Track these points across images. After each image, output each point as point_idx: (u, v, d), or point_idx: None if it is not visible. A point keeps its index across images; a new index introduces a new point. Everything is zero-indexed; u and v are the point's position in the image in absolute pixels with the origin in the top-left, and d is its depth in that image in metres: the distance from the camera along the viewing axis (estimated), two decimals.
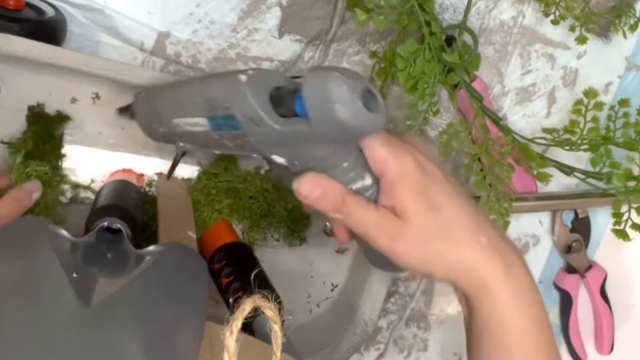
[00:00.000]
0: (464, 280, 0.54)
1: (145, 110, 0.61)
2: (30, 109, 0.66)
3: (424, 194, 0.52)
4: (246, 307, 0.42)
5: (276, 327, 0.43)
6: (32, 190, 0.62)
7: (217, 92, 0.52)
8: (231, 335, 0.41)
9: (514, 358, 0.54)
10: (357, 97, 0.46)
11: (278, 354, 0.43)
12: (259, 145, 0.52)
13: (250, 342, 0.47)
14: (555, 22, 0.74)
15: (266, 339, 0.44)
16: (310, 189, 0.51)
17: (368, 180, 0.52)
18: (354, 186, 0.52)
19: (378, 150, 0.51)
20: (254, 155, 0.54)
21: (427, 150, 0.55)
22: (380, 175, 0.52)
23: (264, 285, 0.62)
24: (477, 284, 0.53)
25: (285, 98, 0.49)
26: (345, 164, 0.51)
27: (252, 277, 0.62)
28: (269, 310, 0.43)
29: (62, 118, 0.67)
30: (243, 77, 0.49)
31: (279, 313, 0.57)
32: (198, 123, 0.54)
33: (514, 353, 0.54)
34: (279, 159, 0.52)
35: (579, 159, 0.78)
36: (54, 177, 0.65)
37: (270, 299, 0.43)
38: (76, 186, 0.67)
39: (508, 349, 0.54)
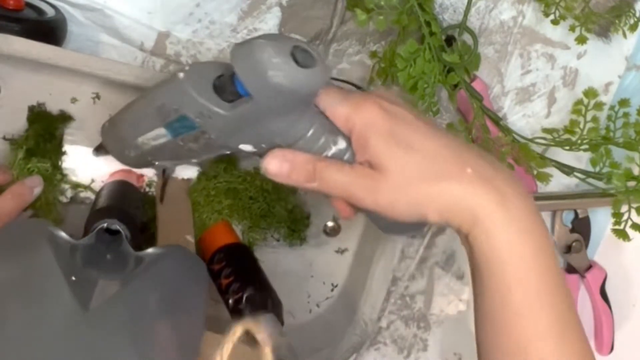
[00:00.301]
0: (457, 217, 0.49)
1: (112, 140, 0.60)
2: (31, 109, 0.66)
3: (395, 138, 0.49)
4: (237, 331, 0.42)
5: (267, 350, 0.42)
6: (33, 186, 0.62)
7: (163, 97, 0.51)
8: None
9: (514, 298, 0.49)
10: (287, 57, 0.45)
11: None
12: (220, 139, 0.51)
13: (245, 352, 0.46)
14: (555, 22, 0.74)
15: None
16: (278, 165, 0.50)
17: (342, 144, 0.51)
18: (329, 153, 0.51)
19: (339, 109, 0.49)
20: (227, 152, 0.54)
21: (391, 95, 0.52)
22: (349, 133, 0.50)
23: (263, 286, 0.63)
24: (470, 219, 0.49)
25: (226, 84, 0.49)
26: (310, 132, 0.50)
27: (251, 278, 0.62)
28: (260, 334, 0.42)
29: (64, 117, 0.67)
30: (181, 75, 0.49)
31: (279, 314, 0.58)
32: (159, 135, 0.54)
33: (513, 292, 0.49)
34: (247, 147, 0.52)
35: (579, 159, 0.78)
36: (55, 175, 0.65)
37: (261, 321, 0.43)
38: (76, 186, 0.67)
39: (507, 288, 0.49)
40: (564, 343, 0.49)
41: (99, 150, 0.64)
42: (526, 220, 0.49)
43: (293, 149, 0.50)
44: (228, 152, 0.54)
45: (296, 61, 0.46)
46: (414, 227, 0.53)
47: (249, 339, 0.42)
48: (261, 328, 0.42)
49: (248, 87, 0.47)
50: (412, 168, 0.48)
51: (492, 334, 0.51)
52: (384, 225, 0.56)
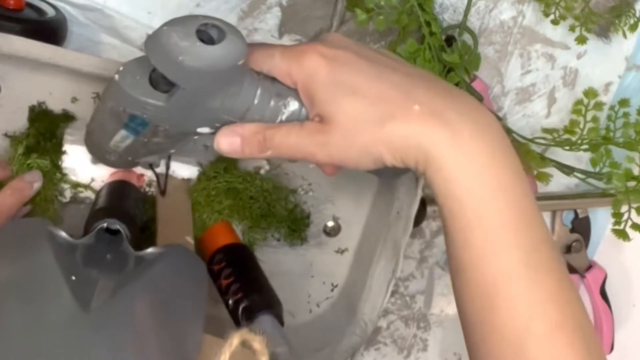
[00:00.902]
0: (410, 157, 0.47)
1: (92, 148, 0.61)
2: (32, 109, 0.66)
3: (338, 86, 0.47)
4: (234, 341, 0.42)
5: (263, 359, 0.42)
6: (33, 181, 0.62)
7: (108, 101, 0.51)
8: None
9: (475, 239, 0.46)
10: (192, 38, 0.45)
11: None
12: (175, 127, 0.51)
13: (245, 355, 0.46)
14: (555, 22, 0.75)
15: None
16: (229, 142, 0.49)
17: (293, 105, 0.50)
18: (283, 117, 0.50)
19: (279, 66, 0.48)
20: (195, 138, 0.54)
21: (335, 37, 0.50)
22: (296, 89, 0.49)
23: (263, 286, 0.62)
24: (423, 158, 0.46)
25: (159, 76, 0.48)
26: (256, 101, 0.49)
27: (251, 278, 0.62)
28: (257, 344, 0.42)
29: (67, 117, 0.67)
30: (116, 76, 0.49)
31: (279, 315, 0.58)
32: (123, 136, 0.54)
33: (475, 232, 0.46)
34: (204, 130, 0.51)
35: (579, 159, 0.78)
36: (54, 173, 0.65)
37: (257, 332, 0.42)
38: (76, 185, 0.67)
39: (469, 229, 0.46)
40: (536, 285, 0.46)
41: (93, 159, 0.64)
42: (485, 153, 0.46)
43: (245, 122, 0.49)
44: (196, 137, 0.53)
45: (203, 40, 0.45)
46: (392, 170, 0.51)
47: (249, 345, 0.42)
48: (258, 338, 0.42)
49: (169, 76, 0.46)
50: (358, 114, 0.47)
51: (458, 277, 0.48)
52: (376, 173, 0.55)
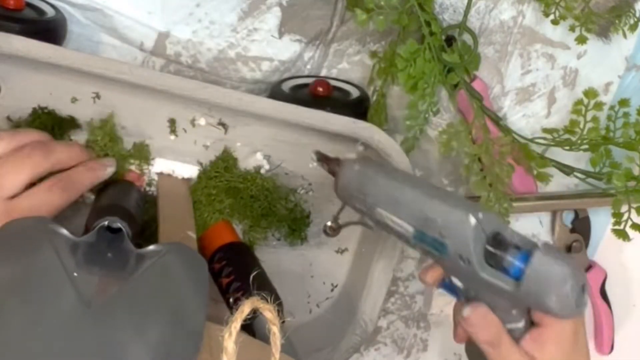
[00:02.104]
0: None
1: (351, 182, 0.61)
2: (34, 111, 0.66)
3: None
4: (245, 308, 0.42)
5: (275, 329, 0.43)
6: (108, 165, 0.64)
7: (440, 217, 0.53)
8: (230, 337, 0.40)
9: None
10: (574, 295, 0.49)
11: (277, 355, 0.43)
12: (449, 269, 0.55)
13: (250, 343, 0.46)
14: (555, 22, 0.74)
15: (267, 339, 0.44)
16: (478, 321, 0.55)
17: (522, 323, 0.55)
18: (509, 325, 0.55)
19: (549, 326, 0.55)
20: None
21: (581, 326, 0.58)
22: (537, 323, 0.55)
23: (264, 285, 0.62)
24: None
25: (501, 248, 0.52)
26: (514, 311, 0.54)
27: (252, 277, 0.62)
28: (268, 312, 0.42)
29: (73, 124, 0.67)
30: (473, 221, 0.51)
31: (279, 314, 0.57)
32: (402, 226, 0.56)
33: None
34: (458, 282, 0.55)
35: (579, 159, 0.78)
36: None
37: (269, 300, 0.43)
38: None
39: None
40: None
41: (322, 161, 0.64)
42: None
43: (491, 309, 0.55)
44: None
45: (575, 300, 0.50)
46: None
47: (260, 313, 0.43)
48: (269, 306, 0.42)
49: (524, 284, 0.50)
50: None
51: None
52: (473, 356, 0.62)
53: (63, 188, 0.59)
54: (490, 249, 0.52)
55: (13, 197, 0.56)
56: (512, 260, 0.51)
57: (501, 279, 0.51)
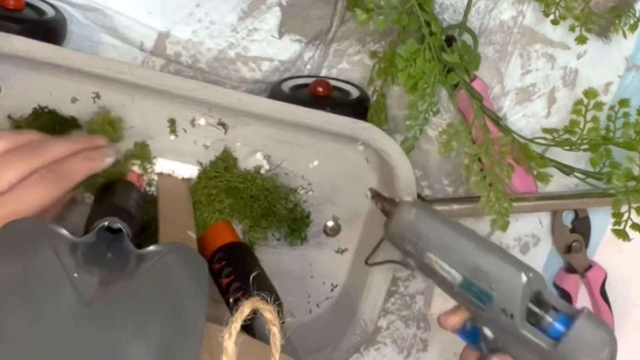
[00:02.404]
0: None
1: (405, 225, 0.61)
2: (35, 111, 0.66)
3: None
4: (245, 309, 0.42)
5: (275, 329, 0.43)
6: (107, 155, 0.63)
7: (492, 270, 0.55)
8: (230, 338, 0.40)
9: None
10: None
11: (277, 355, 0.43)
12: (484, 319, 0.56)
13: (250, 344, 0.46)
14: (555, 22, 0.74)
15: (267, 339, 0.44)
16: None
17: None
18: None
19: None
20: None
21: None
22: None
23: (264, 285, 0.62)
24: None
25: (542, 308, 0.54)
26: None
27: (252, 277, 0.62)
28: (268, 313, 0.42)
29: (74, 124, 0.67)
30: (524, 279, 0.54)
31: (279, 314, 0.57)
32: (450, 273, 0.57)
33: None
34: (488, 333, 0.57)
35: (579, 159, 0.78)
36: None
37: (269, 300, 0.43)
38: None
39: None
40: None
41: (376, 199, 0.64)
42: None
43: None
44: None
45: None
46: None
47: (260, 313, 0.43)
48: (269, 307, 0.42)
49: (562, 345, 0.52)
50: None
51: None
52: None
53: (54, 179, 0.57)
54: (533, 307, 0.55)
55: (4, 193, 0.55)
56: (551, 321, 0.54)
57: (540, 337, 0.54)
